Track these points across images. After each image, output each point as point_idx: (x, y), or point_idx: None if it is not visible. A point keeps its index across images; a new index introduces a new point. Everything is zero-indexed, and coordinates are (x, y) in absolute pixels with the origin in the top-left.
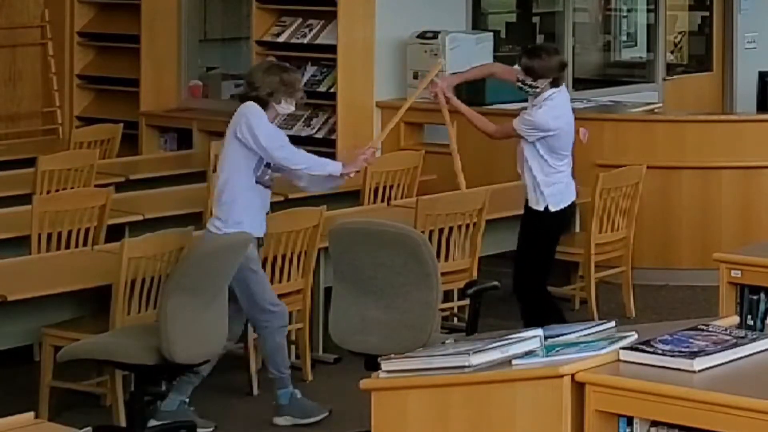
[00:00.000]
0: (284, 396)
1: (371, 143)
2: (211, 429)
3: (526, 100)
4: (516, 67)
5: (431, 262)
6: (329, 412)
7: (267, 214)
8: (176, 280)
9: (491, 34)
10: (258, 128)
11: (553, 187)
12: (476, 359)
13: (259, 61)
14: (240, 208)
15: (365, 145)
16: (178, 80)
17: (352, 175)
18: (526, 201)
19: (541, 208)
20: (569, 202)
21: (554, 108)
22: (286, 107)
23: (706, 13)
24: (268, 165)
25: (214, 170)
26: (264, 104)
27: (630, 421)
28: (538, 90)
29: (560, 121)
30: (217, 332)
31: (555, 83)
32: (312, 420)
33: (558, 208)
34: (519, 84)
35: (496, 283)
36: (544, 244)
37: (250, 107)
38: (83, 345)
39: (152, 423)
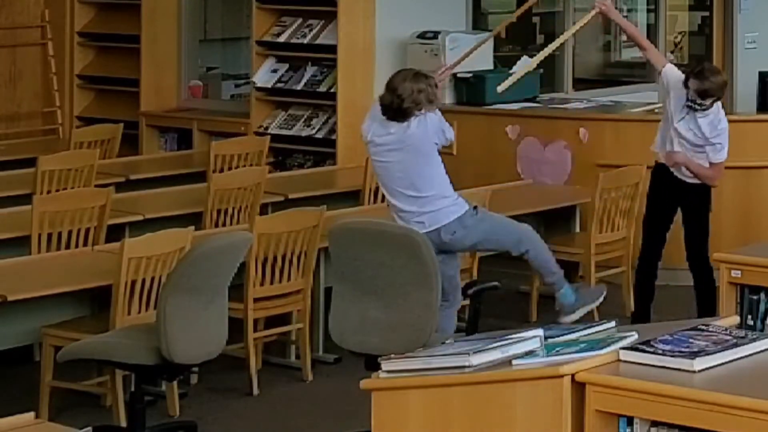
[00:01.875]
0: (567, 295)
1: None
2: None
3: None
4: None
5: (431, 262)
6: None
7: None
8: (176, 280)
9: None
10: (448, 128)
11: None
12: (476, 359)
13: (259, 61)
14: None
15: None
16: (178, 80)
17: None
18: (683, 182)
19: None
20: None
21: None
22: (421, 114)
23: (706, 13)
24: None
25: (215, 170)
26: (405, 113)
27: (630, 421)
28: (706, 108)
29: None
30: (217, 332)
31: (719, 99)
32: (598, 302)
33: None
34: (690, 104)
35: (496, 283)
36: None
37: (429, 115)
38: (83, 345)
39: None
